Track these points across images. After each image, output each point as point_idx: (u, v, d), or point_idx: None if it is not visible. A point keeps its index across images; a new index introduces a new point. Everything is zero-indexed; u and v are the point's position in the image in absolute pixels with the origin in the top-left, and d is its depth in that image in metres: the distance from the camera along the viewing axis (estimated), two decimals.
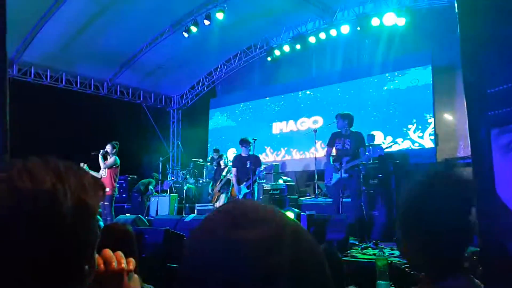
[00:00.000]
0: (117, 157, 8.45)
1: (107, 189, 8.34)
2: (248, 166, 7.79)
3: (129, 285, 0.88)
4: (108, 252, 0.87)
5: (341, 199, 6.41)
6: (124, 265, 0.88)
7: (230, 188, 8.54)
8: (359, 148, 6.35)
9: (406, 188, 1.31)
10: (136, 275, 0.91)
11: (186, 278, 0.62)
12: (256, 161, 7.87)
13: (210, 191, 9.60)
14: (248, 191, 7.82)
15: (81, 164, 8.32)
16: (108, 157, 8.41)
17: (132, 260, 0.90)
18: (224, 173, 8.82)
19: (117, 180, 8.54)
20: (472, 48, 1.00)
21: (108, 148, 8.44)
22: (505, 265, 0.92)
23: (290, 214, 5.92)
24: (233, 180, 8.10)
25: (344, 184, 6.42)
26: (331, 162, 6.61)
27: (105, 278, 0.84)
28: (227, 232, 0.60)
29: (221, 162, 9.33)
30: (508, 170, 0.92)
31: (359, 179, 6.41)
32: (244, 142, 7.97)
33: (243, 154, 8.00)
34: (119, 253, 0.89)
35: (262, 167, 8.27)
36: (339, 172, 6.37)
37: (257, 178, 7.99)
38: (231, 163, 8.53)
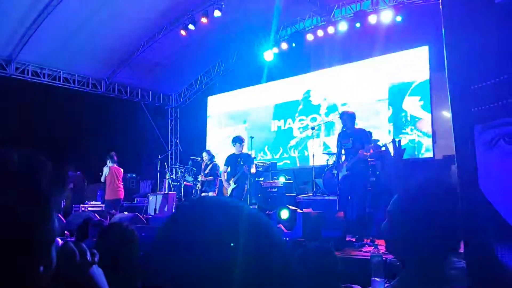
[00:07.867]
0: (108, 168, 8.80)
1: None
2: (238, 163, 7.80)
3: (94, 277, 0.86)
4: (68, 244, 0.85)
5: (338, 196, 6.44)
6: (88, 257, 0.86)
7: (215, 187, 8.62)
8: (363, 145, 6.32)
9: (402, 187, 1.32)
10: (100, 269, 0.89)
11: (147, 269, 0.65)
12: (247, 159, 7.86)
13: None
14: (234, 186, 7.82)
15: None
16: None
17: (95, 252, 0.89)
18: (206, 171, 8.87)
19: (114, 186, 8.85)
20: (456, 44, 1.00)
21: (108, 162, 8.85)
22: (489, 261, 0.92)
23: (285, 213, 5.93)
24: (222, 177, 8.12)
25: (350, 182, 6.41)
26: (340, 162, 6.62)
27: (69, 271, 0.82)
28: (183, 227, 0.64)
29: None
30: (492, 166, 0.91)
31: (363, 177, 6.38)
32: (236, 140, 7.97)
33: (236, 152, 8.01)
34: (82, 245, 0.87)
35: (253, 166, 8.31)
36: (341, 170, 6.41)
37: (245, 174, 7.91)
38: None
